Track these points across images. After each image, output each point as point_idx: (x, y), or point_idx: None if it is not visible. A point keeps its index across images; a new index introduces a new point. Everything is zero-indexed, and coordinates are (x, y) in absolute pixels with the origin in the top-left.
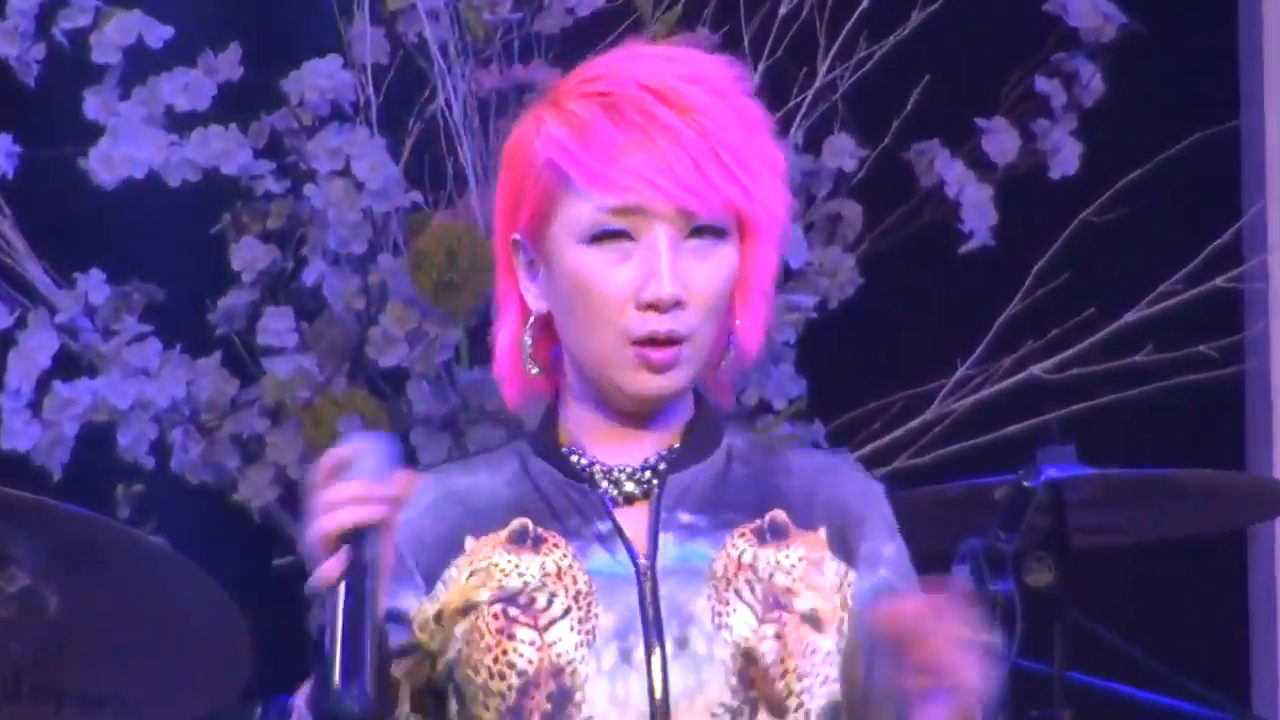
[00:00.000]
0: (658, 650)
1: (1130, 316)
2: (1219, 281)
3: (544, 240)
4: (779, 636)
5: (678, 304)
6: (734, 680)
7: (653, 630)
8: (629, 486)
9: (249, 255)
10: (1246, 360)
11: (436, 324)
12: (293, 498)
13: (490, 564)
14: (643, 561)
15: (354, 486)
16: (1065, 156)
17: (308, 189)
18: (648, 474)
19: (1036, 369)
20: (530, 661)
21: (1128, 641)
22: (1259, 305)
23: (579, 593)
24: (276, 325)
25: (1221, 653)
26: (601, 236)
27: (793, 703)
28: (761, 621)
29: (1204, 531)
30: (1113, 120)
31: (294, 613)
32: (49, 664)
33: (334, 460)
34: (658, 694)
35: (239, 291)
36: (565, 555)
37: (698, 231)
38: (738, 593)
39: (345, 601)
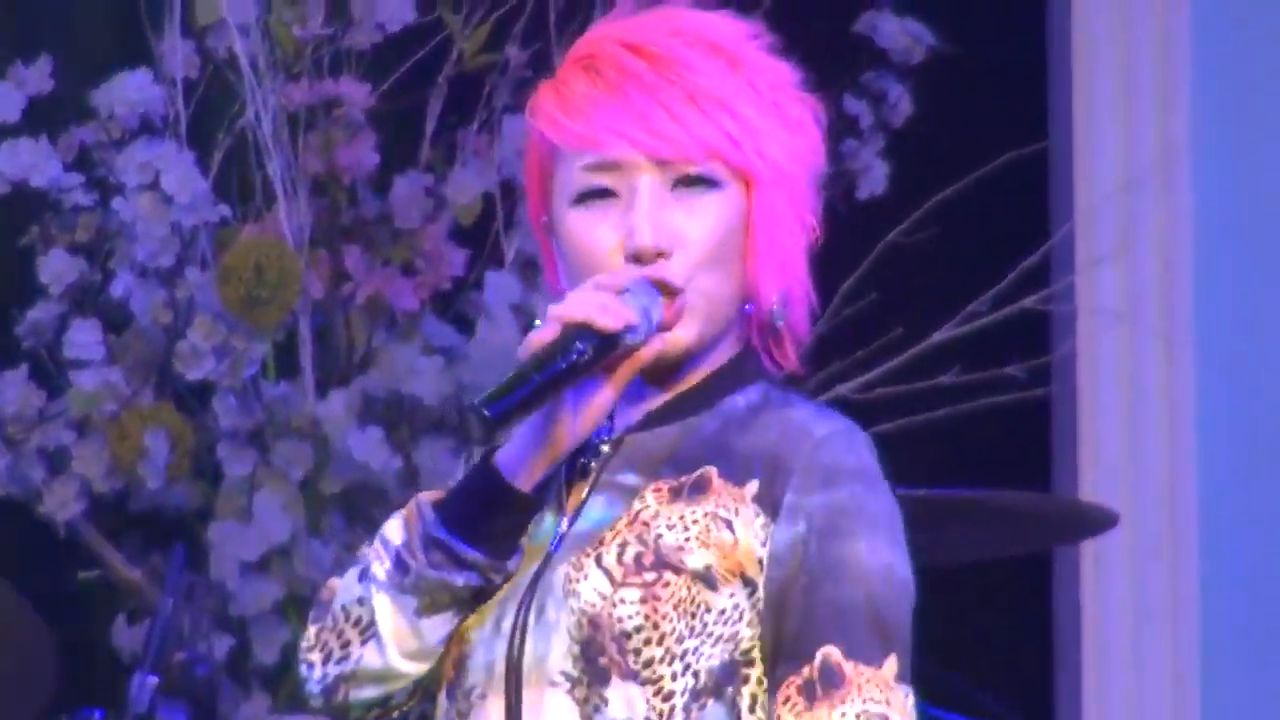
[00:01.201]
0: (521, 618)
1: (938, 337)
2: (1027, 303)
3: (551, 214)
4: (648, 600)
5: (661, 254)
6: (576, 649)
7: (526, 598)
8: (604, 450)
9: (57, 268)
10: (1053, 382)
11: (243, 338)
12: (98, 511)
13: None
14: (563, 528)
15: (606, 298)
16: (873, 177)
17: (116, 202)
18: (621, 437)
19: (843, 389)
20: (456, 627)
21: (932, 662)
22: (1066, 327)
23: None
24: (83, 338)
25: (1026, 674)
26: (586, 196)
27: (667, 668)
28: (619, 586)
29: (1008, 554)
30: (921, 140)
31: (99, 627)
32: None
33: (608, 287)
34: (513, 661)
35: (46, 304)
36: (532, 523)
37: (684, 181)
38: (598, 558)
39: (548, 366)
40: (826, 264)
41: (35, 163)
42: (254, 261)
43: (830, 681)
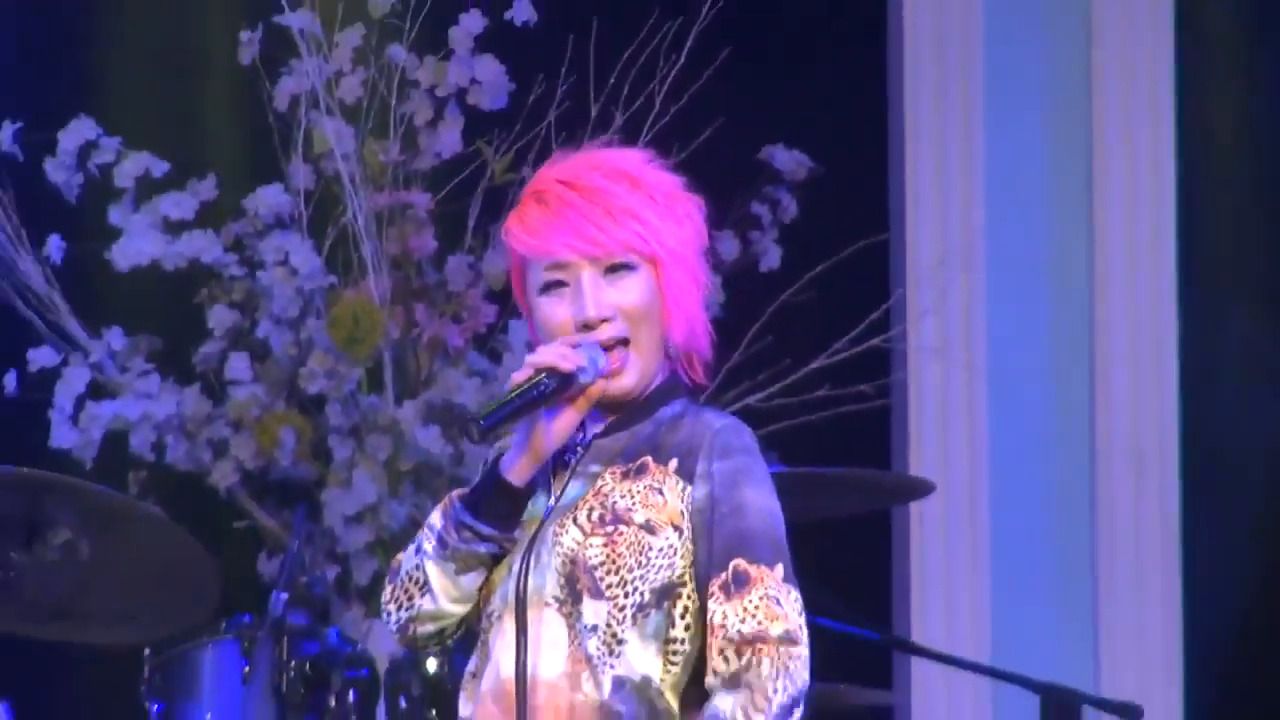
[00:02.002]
0: (525, 563)
1: (814, 365)
2: (874, 342)
3: (528, 301)
4: (609, 542)
5: (604, 320)
6: (561, 580)
7: (528, 550)
8: (580, 451)
9: (220, 318)
10: (891, 396)
11: (346, 365)
12: (248, 481)
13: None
14: (551, 502)
15: (566, 350)
16: (770, 256)
17: (260, 274)
18: (590, 441)
19: (750, 400)
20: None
21: (811, 585)
22: (900, 360)
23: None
24: (238, 365)
25: (873, 596)
26: (547, 287)
27: (620, 590)
28: (589, 535)
29: (861, 511)
30: (803, 231)
31: (248, 561)
32: (84, 594)
33: (567, 344)
34: (520, 592)
35: (212, 342)
36: (531, 501)
37: (611, 269)
38: (575, 519)
39: (523, 393)
40: (738, 316)
41: (205, 246)
42: (352, 314)
43: (741, 580)
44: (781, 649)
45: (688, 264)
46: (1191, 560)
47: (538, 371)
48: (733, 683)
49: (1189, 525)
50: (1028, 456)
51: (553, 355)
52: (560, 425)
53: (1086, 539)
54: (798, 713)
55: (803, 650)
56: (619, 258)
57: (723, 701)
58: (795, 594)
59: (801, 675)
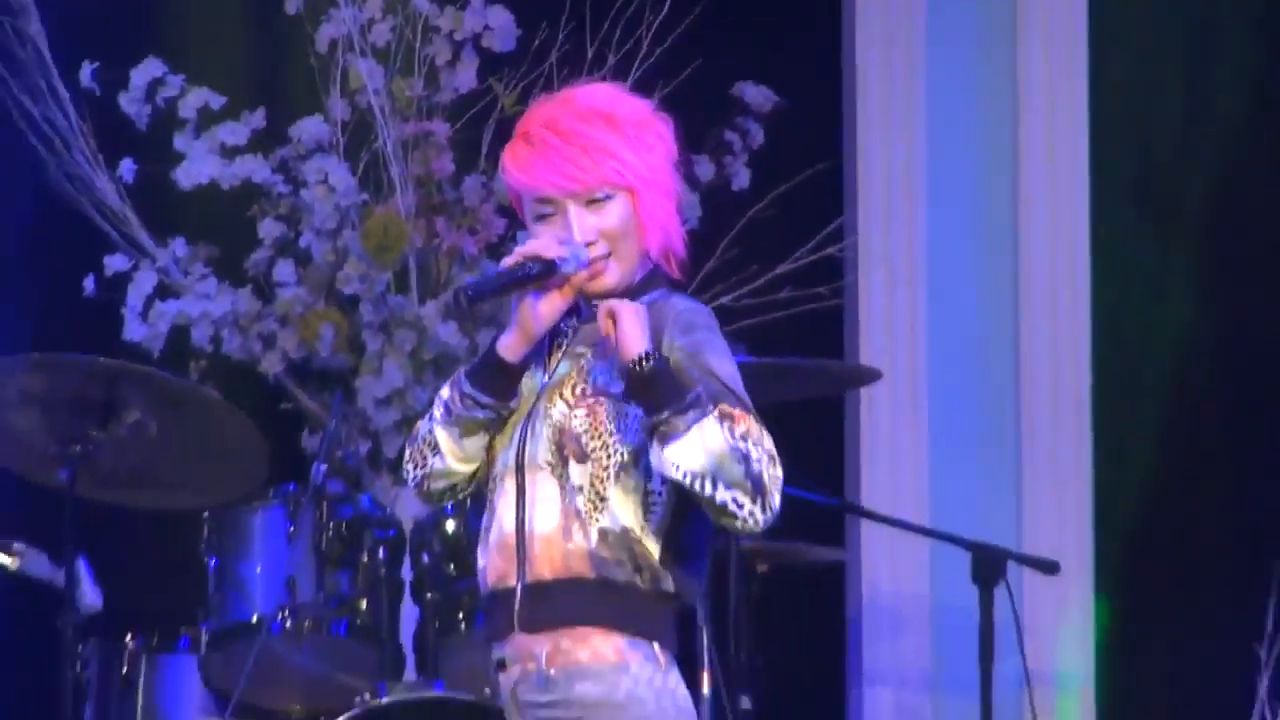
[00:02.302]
0: (523, 432)
1: (778, 270)
2: (830, 251)
3: (525, 220)
4: (591, 412)
5: (589, 244)
6: (551, 447)
7: (525, 421)
8: (569, 335)
9: (268, 229)
10: (844, 296)
11: (376, 270)
12: (293, 369)
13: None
14: (545, 378)
15: (550, 242)
16: (740, 178)
17: (303, 192)
18: (578, 327)
19: (724, 300)
20: (487, 443)
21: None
22: (851, 265)
23: (520, 402)
24: (284, 270)
25: (826, 465)
26: (539, 217)
27: (603, 452)
28: (573, 408)
29: (821, 394)
30: (768, 157)
31: (293, 436)
32: (151, 465)
33: (554, 239)
34: (519, 458)
35: (262, 250)
36: (529, 375)
37: (591, 201)
38: (562, 393)
39: (510, 272)
40: (713, 229)
41: (256, 169)
42: (382, 226)
43: (727, 416)
44: (762, 447)
45: (660, 184)
46: (1101, 435)
47: (525, 258)
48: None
49: (1099, 403)
50: (960, 347)
51: (539, 245)
52: (546, 309)
53: (1011, 418)
54: (778, 478)
55: (775, 476)
56: (597, 192)
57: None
58: (759, 427)
59: (773, 462)
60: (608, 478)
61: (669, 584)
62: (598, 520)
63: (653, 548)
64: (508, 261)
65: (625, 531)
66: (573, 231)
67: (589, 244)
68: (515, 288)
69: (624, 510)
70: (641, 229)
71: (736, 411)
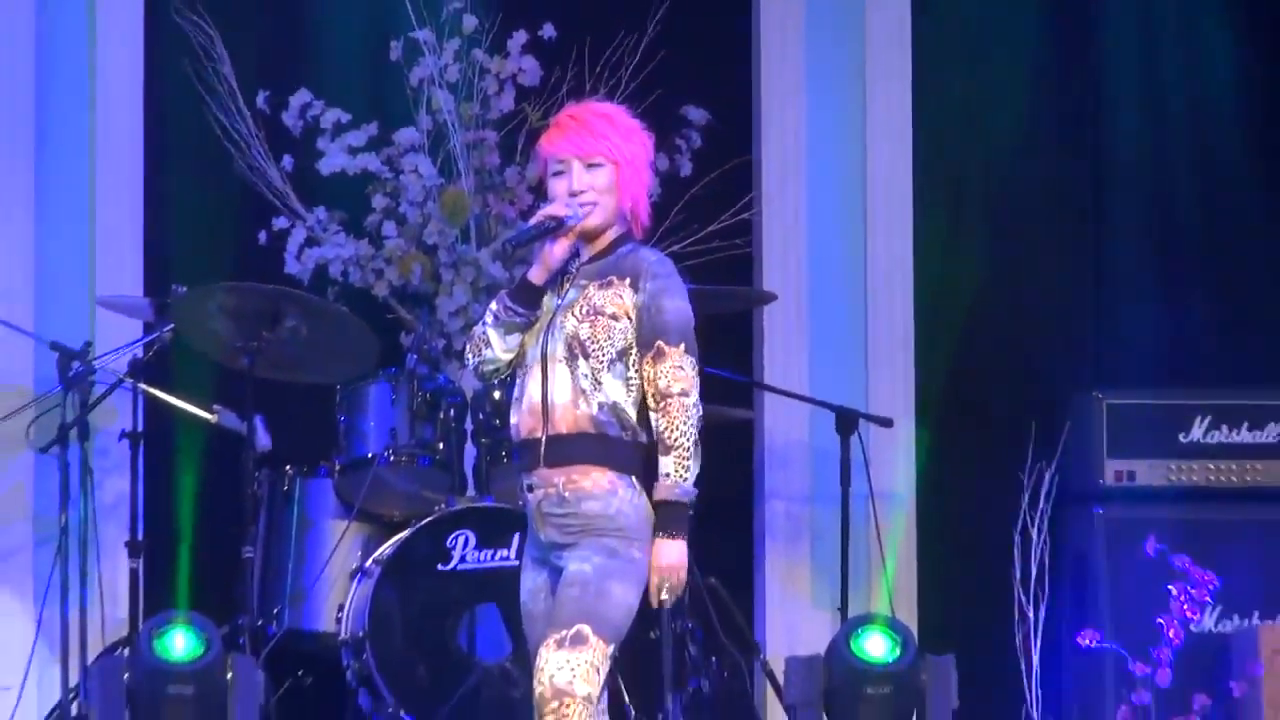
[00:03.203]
0: (546, 334)
1: (711, 228)
2: (744, 216)
3: (545, 180)
4: (591, 324)
5: (583, 191)
6: (564, 346)
7: (548, 326)
8: (573, 271)
9: (379, 201)
10: (753, 247)
11: (449, 227)
12: (395, 293)
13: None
14: (559, 302)
15: (561, 205)
16: (685, 168)
17: (402, 177)
18: (580, 266)
19: (675, 248)
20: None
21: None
22: (758, 225)
23: (542, 315)
24: (388, 228)
25: (741, 355)
26: (555, 173)
27: (595, 347)
28: (579, 322)
29: (738, 309)
30: (704, 154)
31: (394, 336)
32: (302, 355)
33: (562, 202)
34: (544, 353)
35: (374, 215)
36: (549, 297)
37: (589, 165)
38: (572, 312)
39: (537, 226)
40: (667, 200)
41: (370, 162)
42: (454, 199)
43: (659, 354)
44: (683, 400)
45: (636, 169)
46: (919, 334)
47: (546, 217)
48: (664, 447)
49: (919, 315)
50: (827, 279)
51: (554, 207)
52: (559, 250)
53: (860, 324)
54: (694, 433)
55: (694, 398)
56: (594, 158)
57: (664, 464)
58: (692, 360)
59: (694, 414)
60: (601, 368)
61: (642, 438)
62: (596, 395)
63: (632, 414)
64: (533, 220)
65: (615, 403)
66: (574, 182)
67: (581, 192)
68: (539, 237)
69: (613, 389)
70: (619, 193)
71: (667, 349)
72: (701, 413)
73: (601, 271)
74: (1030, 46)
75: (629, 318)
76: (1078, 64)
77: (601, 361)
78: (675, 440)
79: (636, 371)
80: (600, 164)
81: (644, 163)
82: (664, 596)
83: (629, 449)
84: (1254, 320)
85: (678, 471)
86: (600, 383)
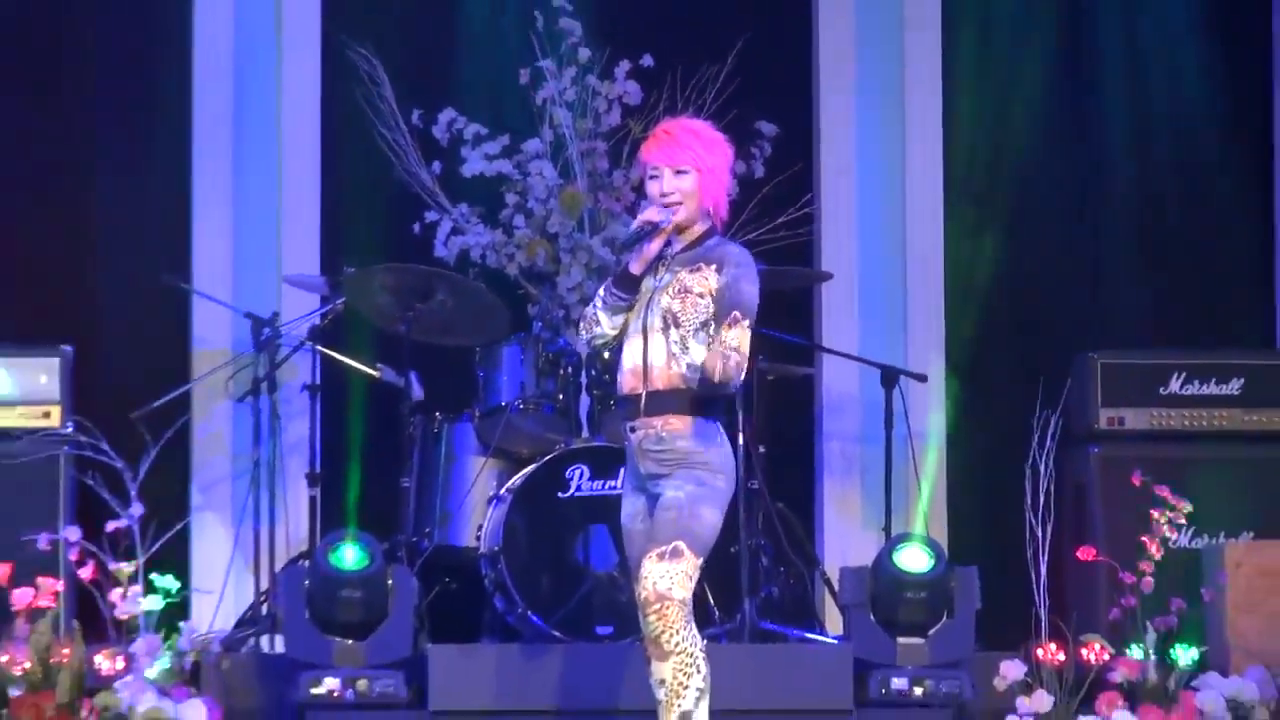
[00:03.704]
0: (646, 309)
1: (779, 220)
2: (806, 210)
3: (643, 183)
4: (681, 301)
5: (672, 193)
6: (661, 318)
7: (646, 304)
8: (669, 260)
9: (510, 198)
10: (814, 235)
11: (567, 219)
12: (524, 272)
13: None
14: (656, 283)
15: (654, 211)
16: (758, 171)
17: (529, 178)
18: (673, 255)
19: (750, 237)
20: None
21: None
22: (818, 218)
23: (642, 295)
24: (519, 220)
25: (803, 323)
26: (651, 178)
27: (685, 319)
28: (672, 299)
29: (802, 286)
30: (774, 159)
31: (522, 307)
32: (449, 322)
33: (655, 208)
34: (644, 324)
35: (508, 210)
36: (647, 280)
37: (678, 171)
38: (667, 291)
39: (636, 231)
40: (743, 198)
41: (503, 166)
42: (571, 196)
43: (732, 323)
44: (735, 353)
45: (716, 174)
46: (949, 308)
47: (644, 223)
48: (709, 360)
49: (948, 294)
50: (873, 262)
51: (650, 213)
52: (653, 247)
53: (900, 299)
54: (734, 374)
55: (743, 361)
56: (681, 166)
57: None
58: (748, 333)
59: (737, 362)
60: (689, 335)
61: (723, 391)
62: (685, 357)
63: None
64: (634, 225)
65: (699, 364)
66: (664, 185)
67: (670, 194)
68: (641, 240)
69: (698, 352)
70: (700, 195)
71: (737, 320)
72: (744, 370)
73: (691, 259)
74: (1040, 65)
75: (711, 296)
76: (1077, 81)
77: (689, 330)
78: (716, 366)
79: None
80: (686, 171)
81: (724, 169)
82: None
83: (713, 400)
84: (1219, 294)
85: (711, 363)
86: (688, 347)
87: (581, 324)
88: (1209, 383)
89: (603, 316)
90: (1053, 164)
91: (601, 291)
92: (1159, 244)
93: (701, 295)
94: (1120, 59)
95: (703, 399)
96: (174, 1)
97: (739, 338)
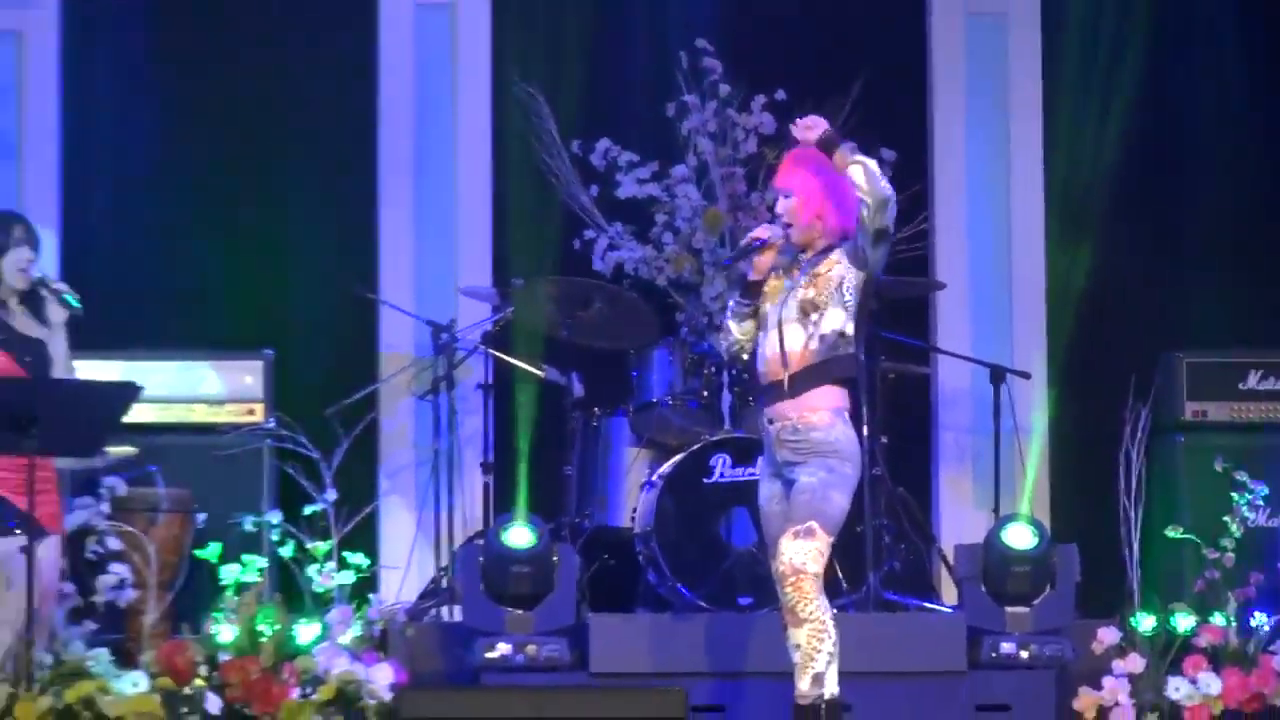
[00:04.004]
0: (780, 305)
1: (899, 235)
2: (922, 227)
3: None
4: (814, 286)
5: (781, 214)
6: (798, 309)
7: (780, 300)
8: (801, 263)
9: (659, 218)
10: (929, 250)
11: (709, 235)
12: (671, 283)
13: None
14: (790, 283)
15: (764, 228)
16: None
17: (676, 200)
18: (802, 261)
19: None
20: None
21: None
22: (932, 234)
23: (774, 295)
24: (667, 237)
25: (918, 326)
26: (778, 199)
27: (820, 297)
28: (805, 289)
29: (920, 294)
30: (894, 183)
31: (671, 315)
32: (605, 326)
33: (766, 226)
34: (780, 317)
35: (657, 228)
36: (779, 279)
37: (785, 195)
38: (799, 284)
39: (746, 245)
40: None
41: (653, 189)
42: (713, 215)
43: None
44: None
45: (817, 195)
46: (1051, 314)
47: (753, 239)
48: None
49: (1050, 304)
50: (982, 272)
51: (760, 229)
52: (764, 258)
53: (1006, 306)
54: (890, 208)
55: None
56: (787, 190)
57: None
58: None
59: (890, 194)
60: (826, 305)
61: (853, 348)
62: (819, 331)
63: (849, 330)
64: (744, 240)
65: (834, 330)
66: (778, 207)
67: (780, 215)
68: (750, 253)
69: (834, 318)
70: (803, 212)
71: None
72: (895, 202)
73: (818, 260)
74: (1129, 93)
75: (839, 269)
76: (1161, 108)
77: (826, 301)
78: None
79: (854, 301)
80: (788, 193)
81: (826, 188)
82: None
83: (845, 360)
84: None
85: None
86: (823, 319)
87: (719, 335)
88: None
89: (732, 325)
90: (1141, 181)
91: (729, 304)
92: (1238, 252)
93: (830, 277)
94: (1199, 92)
95: (836, 363)
96: (362, 44)
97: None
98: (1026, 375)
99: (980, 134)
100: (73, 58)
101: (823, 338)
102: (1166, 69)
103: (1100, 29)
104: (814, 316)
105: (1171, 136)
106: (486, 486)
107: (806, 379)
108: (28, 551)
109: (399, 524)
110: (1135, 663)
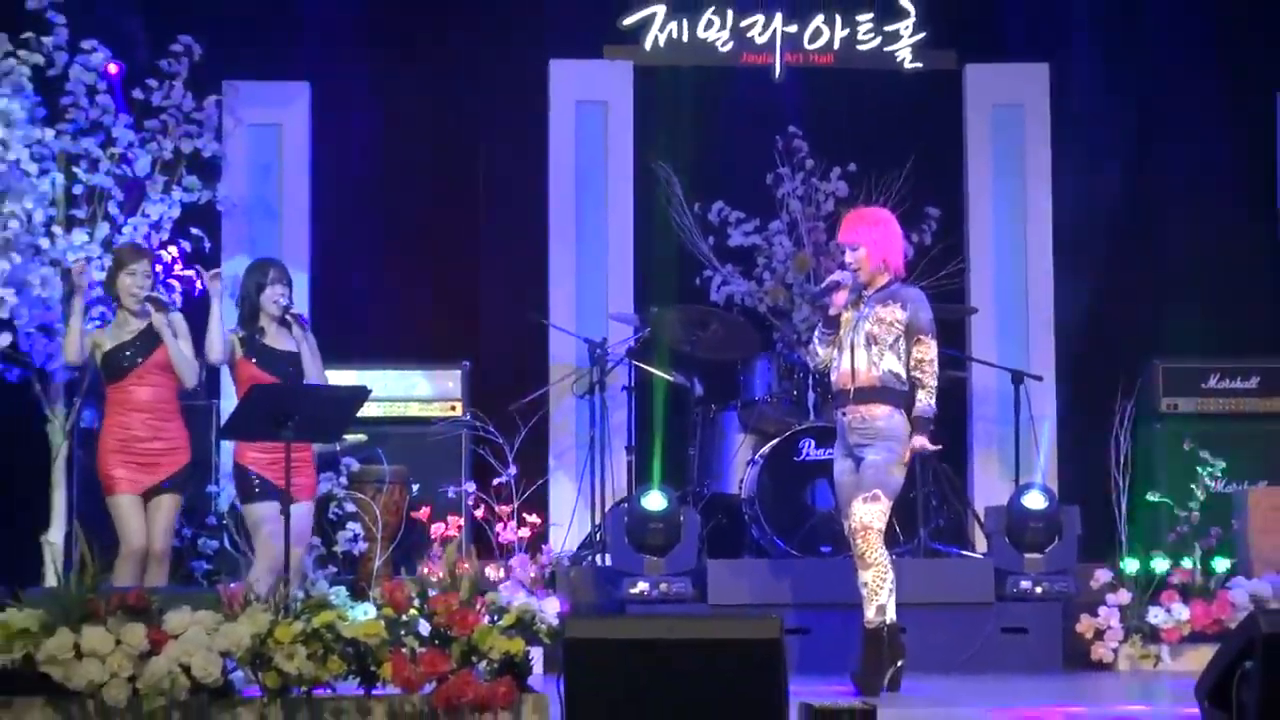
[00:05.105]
0: (851, 334)
1: (942, 273)
2: (960, 266)
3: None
4: (878, 326)
5: (849, 263)
6: (864, 338)
7: (853, 329)
8: (867, 299)
9: (759, 260)
10: (965, 284)
11: (797, 274)
12: (769, 310)
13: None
14: (859, 315)
15: (838, 275)
16: (926, 240)
17: (773, 247)
18: (867, 298)
19: (922, 284)
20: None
21: None
22: (967, 272)
23: (847, 325)
24: (766, 276)
25: (958, 341)
26: (844, 251)
27: (880, 339)
28: (871, 325)
29: (957, 318)
30: (936, 232)
31: (768, 333)
32: (719, 342)
33: (839, 273)
34: (851, 344)
35: (757, 269)
36: (849, 313)
37: (852, 247)
38: (865, 319)
39: (824, 286)
40: (916, 260)
41: (755, 239)
42: (800, 259)
43: (919, 342)
44: (931, 364)
45: (882, 243)
46: (1059, 329)
47: (831, 282)
48: (919, 385)
49: (1058, 320)
50: (1008, 304)
51: (834, 275)
52: (839, 297)
53: (1023, 328)
54: (934, 381)
55: (935, 362)
56: (853, 243)
57: (919, 396)
58: (934, 343)
59: (934, 369)
60: (884, 349)
61: (906, 387)
62: (880, 365)
63: (902, 374)
64: (825, 283)
65: (891, 371)
66: (846, 257)
67: (848, 264)
68: (829, 292)
69: (889, 362)
70: (869, 260)
71: (924, 339)
72: (938, 369)
73: (881, 298)
74: (1120, 158)
75: (899, 324)
76: (1145, 166)
77: (884, 346)
78: (925, 383)
79: (904, 352)
80: (856, 246)
81: (888, 237)
82: (914, 446)
83: (898, 393)
84: (1246, 313)
85: (926, 399)
86: (883, 357)
87: (807, 354)
88: (1236, 379)
89: (819, 347)
90: (1127, 230)
91: (817, 332)
92: (1204, 284)
93: (891, 324)
94: (1177, 156)
95: (897, 395)
96: (538, 129)
97: (927, 350)
98: (1039, 378)
99: (1003, 194)
100: (319, 140)
101: (884, 371)
102: (1151, 139)
103: (1097, 118)
104: (875, 349)
105: (1155, 193)
106: (629, 464)
107: (867, 395)
108: (284, 514)
109: (564, 492)
110: (1123, 596)
